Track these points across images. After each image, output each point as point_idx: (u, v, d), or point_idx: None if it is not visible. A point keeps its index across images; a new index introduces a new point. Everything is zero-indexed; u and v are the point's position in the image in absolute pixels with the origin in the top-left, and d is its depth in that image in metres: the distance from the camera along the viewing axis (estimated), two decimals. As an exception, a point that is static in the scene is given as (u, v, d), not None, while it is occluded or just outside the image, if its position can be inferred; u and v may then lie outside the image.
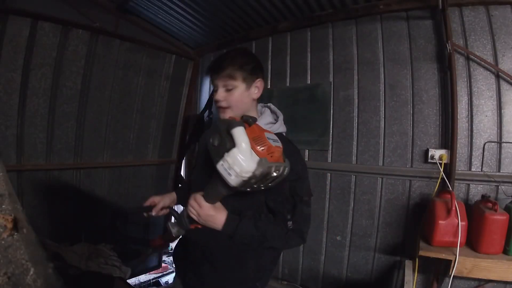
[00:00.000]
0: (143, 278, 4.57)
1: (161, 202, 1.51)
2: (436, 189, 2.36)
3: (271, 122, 1.41)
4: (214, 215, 1.17)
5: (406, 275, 2.16)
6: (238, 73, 1.30)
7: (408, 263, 2.29)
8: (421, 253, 2.01)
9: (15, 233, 0.54)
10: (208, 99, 3.74)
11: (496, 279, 1.99)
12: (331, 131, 2.93)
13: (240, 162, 0.91)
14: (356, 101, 2.81)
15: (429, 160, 2.43)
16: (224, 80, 1.31)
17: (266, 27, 3.30)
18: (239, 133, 0.93)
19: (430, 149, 2.44)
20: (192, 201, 1.18)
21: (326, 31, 2.96)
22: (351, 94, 2.83)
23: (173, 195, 1.58)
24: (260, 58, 1.42)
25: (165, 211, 1.52)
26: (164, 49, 3.65)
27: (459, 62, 2.35)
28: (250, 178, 0.94)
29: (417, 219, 2.44)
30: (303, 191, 1.26)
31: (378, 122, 2.70)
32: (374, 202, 2.71)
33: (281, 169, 1.01)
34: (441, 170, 2.32)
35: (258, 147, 0.96)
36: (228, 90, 1.31)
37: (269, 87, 3.38)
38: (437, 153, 2.39)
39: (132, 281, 4.12)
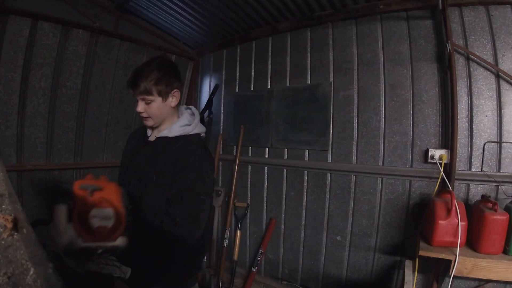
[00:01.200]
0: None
1: None
2: (436, 189, 2.36)
3: (186, 125, 1.51)
4: None
5: (406, 275, 2.16)
6: (154, 88, 1.39)
7: (408, 263, 2.29)
8: (421, 253, 2.00)
9: (15, 233, 0.54)
10: (208, 99, 3.74)
11: (496, 279, 1.99)
12: (331, 131, 2.93)
13: (54, 236, 0.97)
14: (356, 101, 2.81)
15: (429, 160, 2.43)
16: (141, 95, 1.40)
17: (266, 27, 3.30)
18: (58, 212, 0.99)
19: (430, 149, 2.44)
20: None
21: (326, 31, 2.96)
22: (351, 94, 2.83)
23: None
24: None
25: None
26: (164, 49, 3.65)
27: (459, 62, 2.34)
28: (68, 251, 0.98)
29: (417, 219, 2.44)
30: (195, 192, 1.36)
31: (378, 122, 2.69)
32: (374, 202, 2.71)
33: (108, 247, 1.03)
34: (441, 170, 2.32)
35: (78, 225, 0.98)
36: (147, 103, 1.41)
37: (269, 87, 3.38)
38: (437, 153, 2.39)
39: (132, 281, 4.12)
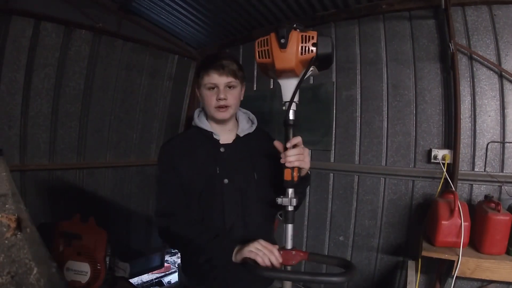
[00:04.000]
0: (145, 277, 4.59)
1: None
2: (439, 189, 2.35)
3: (250, 119, 1.50)
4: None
5: (409, 275, 2.15)
6: (239, 73, 1.34)
7: (411, 264, 2.28)
8: (424, 253, 2.00)
9: (19, 233, 0.54)
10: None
11: (499, 280, 1.98)
12: (334, 131, 2.93)
13: None
14: (359, 101, 2.81)
15: (432, 160, 2.42)
16: (228, 77, 1.31)
17: (268, 27, 3.29)
18: None
19: (433, 149, 2.43)
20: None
21: (329, 31, 2.95)
22: (354, 94, 2.83)
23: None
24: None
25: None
26: (167, 49, 3.66)
27: (462, 62, 2.34)
28: None
29: (420, 219, 2.44)
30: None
31: (381, 122, 2.69)
32: (377, 203, 2.70)
33: None
34: (444, 170, 2.32)
35: None
36: (230, 87, 1.33)
37: (271, 87, 3.38)
38: (440, 153, 2.38)
39: (134, 280, 4.13)
